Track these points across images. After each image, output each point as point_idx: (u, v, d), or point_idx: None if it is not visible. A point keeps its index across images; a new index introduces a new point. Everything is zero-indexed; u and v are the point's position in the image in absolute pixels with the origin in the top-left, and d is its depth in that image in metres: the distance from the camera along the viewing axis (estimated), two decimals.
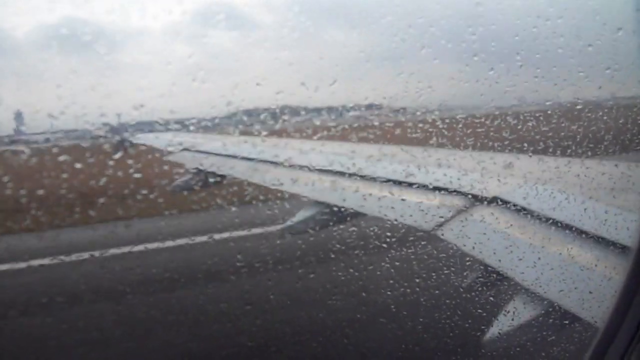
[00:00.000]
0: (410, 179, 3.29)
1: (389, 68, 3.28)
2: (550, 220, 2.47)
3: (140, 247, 8.51)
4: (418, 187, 3.20)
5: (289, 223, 3.77)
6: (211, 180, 4.96)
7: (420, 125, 3.26)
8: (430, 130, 3.36)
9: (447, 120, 3.39)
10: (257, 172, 4.26)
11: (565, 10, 3.69)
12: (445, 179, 3.18)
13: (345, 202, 3.46)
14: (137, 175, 4.09)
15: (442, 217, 2.83)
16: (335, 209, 3.53)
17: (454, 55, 3.38)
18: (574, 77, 3.84)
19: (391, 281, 4.66)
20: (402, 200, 3.16)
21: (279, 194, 4.04)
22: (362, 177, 3.57)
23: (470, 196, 2.92)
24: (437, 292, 4.13)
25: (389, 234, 3.57)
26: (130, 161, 4.20)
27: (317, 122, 3.53)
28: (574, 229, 2.35)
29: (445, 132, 3.42)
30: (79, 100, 2.99)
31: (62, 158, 3.86)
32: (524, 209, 2.65)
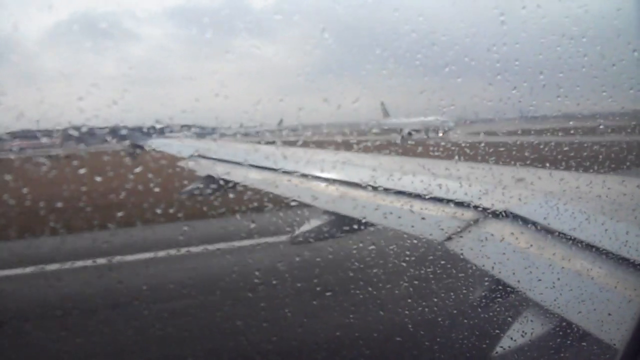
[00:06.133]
0: (423, 192, 3.26)
1: (412, 85, 3.27)
2: (569, 239, 2.42)
3: (149, 255, 8.56)
4: (431, 199, 3.17)
5: (297, 232, 3.75)
6: (221, 187, 4.97)
7: (442, 143, 3.23)
8: (453, 148, 3.33)
9: (469, 140, 3.36)
10: (270, 181, 4.24)
11: (589, 30, 3.66)
12: (460, 191, 3.14)
13: (356, 212, 3.43)
14: (147, 180, 4.10)
15: (452, 229, 2.78)
16: (345, 218, 3.50)
17: (477, 74, 3.36)
18: (597, 96, 3.80)
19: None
20: (411, 211, 3.13)
21: (291, 203, 4.02)
22: (377, 188, 3.55)
23: (484, 209, 2.87)
24: (451, 302, 4.08)
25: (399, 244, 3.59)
26: (141, 166, 4.21)
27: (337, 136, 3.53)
28: (593, 248, 2.29)
29: (468, 151, 3.39)
30: (103, 101, 3.00)
31: (74, 163, 3.89)
32: (541, 225, 2.60)
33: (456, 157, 3.88)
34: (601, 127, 4.10)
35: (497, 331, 2.71)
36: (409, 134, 23.46)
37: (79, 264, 7.98)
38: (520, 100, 3.53)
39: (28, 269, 8.08)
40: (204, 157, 5.88)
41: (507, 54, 3.40)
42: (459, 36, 3.23)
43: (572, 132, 4.09)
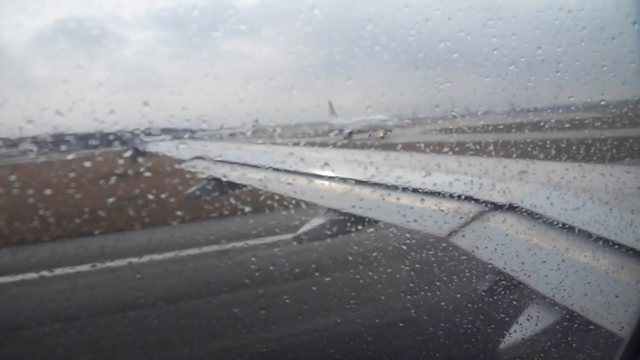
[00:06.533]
0: (425, 186, 3.23)
1: (406, 62, 3.18)
2: (573, 229, 2.38)
3: (153, 257, 8.53)
4: (433, 194, 3.13)
5: (300, 231, 3.71)
6: (224, 188, 4.96)
7: (440, 121, 3.14)
8: (450, 127, 3.24)
9: (467, 117, 3.27)
10: (271, 180, 4.22)
11: (588, 2, 3.56)
12: (462, 185, 3.11)
13: (359, 210, 3.40)
14: (150, 183, 4.09)
15: (456, 223, 2.75)
16: (348, 216, 3.47)
17: (473, 49, 3.27)
18: (597, 71, 3.70)
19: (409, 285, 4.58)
20: (415, 207, 3.09)
21: (293, 202, 3.99)
22: (378, 185, 3.51)
23: (486, 203, 2.84)
24: (457, 296, 4.04)
25: (404, 240, 3.55)
26: (144, 169, 4.19)
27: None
28: (597, 238, 2.24)
29: (466, 130, 3.30)
30: (94, 106, 2.94)
31: (76, 165, 3.86)
32: (544, 217, 2.56)
33: (454, 152, 3.84)
34: (602, 102, 4.00)
35: (504, 316, 2.69)
36: (350, 134, 22.43)
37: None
38: (518, 77, 3.44)
39: (79, 268, 8.08)
40: (202, 158, 5.86)
41: (504, 29, 3.31)
42: (453, 10, 3.13)
43: (571, 108, 3.98)
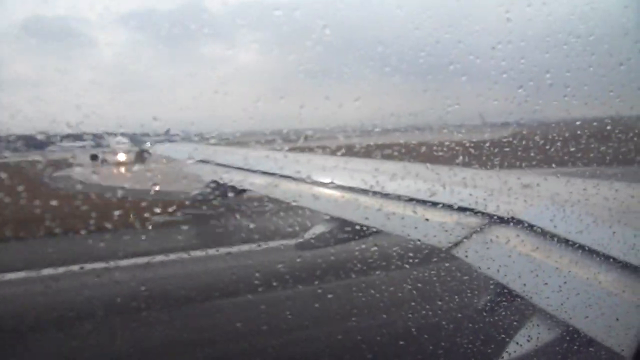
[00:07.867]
0: (428, 197, 3.22)
1: (416, 84, 3.19)
2: (576, 245, 2.37)
3: (155, 259, 8.53)
4: (435, 205, 3.12)
5: (301, 239, 3.71)
6: (227, 192, 4.99)
7: (447, 143, 3.16)
8: (457, 148, 3.25)
9: (474, 139, 3.28)
10: (274, 186, 4.22)
11: (597, 28, 3.58)
12: (466, 198, 3.10)
13: (361, 219, 3.39)
14: (154, 186, 4.09)
15: (457, 236, 2.74)
16: (349, 225, 3.47)
17: (482, 72, 3.29)
18: (605, 96, 3.71)
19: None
20: (415, 217, 3.09)
21: (295, 210, 3.99)
22: (381, 194, 3.51)
23: (489, 216, 2.82)
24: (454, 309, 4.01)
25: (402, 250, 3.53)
26: (148, 172, 4.21)
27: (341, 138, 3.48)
28: (599, 254, 2.23)
29: (472, 151, 3.31)
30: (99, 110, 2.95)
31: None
32: (547, 231, 2.55)
33: (460, 163, 3.84)
34: (609, 127, 4.00)
35: (503, 336, 2.67)
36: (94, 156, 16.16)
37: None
38: (527, 100, 3.46)
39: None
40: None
41: (513, 52, 3.33)
42: (464, 34, 3.16)
43: (578, 132, 3.98)
